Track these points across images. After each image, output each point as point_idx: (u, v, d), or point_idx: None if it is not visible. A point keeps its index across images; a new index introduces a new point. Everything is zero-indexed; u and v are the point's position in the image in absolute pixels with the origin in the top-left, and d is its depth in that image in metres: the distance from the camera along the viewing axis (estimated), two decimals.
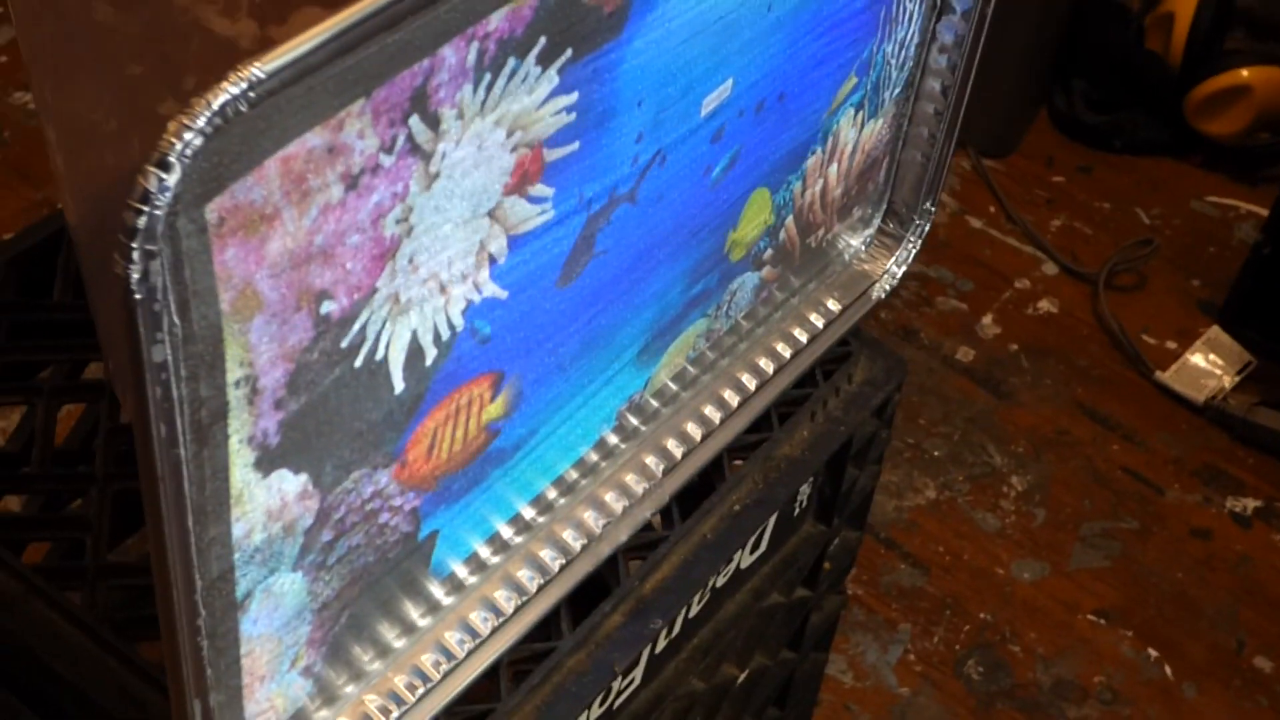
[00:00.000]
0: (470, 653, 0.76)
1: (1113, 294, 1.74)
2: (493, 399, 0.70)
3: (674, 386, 0.87)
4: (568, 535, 0.81)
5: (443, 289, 0.62)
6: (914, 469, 1.53)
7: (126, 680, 0.77)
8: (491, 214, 0.62)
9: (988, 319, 1.70)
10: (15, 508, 0.94)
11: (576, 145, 0.64)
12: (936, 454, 1.55)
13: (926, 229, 1.00)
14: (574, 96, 0.62)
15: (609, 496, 0.83)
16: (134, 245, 0.43)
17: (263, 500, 0.59)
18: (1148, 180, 1.90)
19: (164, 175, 0.43)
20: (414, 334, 0.62)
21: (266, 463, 0.58)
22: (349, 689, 0.72)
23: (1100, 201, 1.88)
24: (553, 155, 0.63)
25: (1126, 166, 1.93)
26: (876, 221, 0.98)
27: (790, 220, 0.88)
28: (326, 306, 0.56)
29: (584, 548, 0.81)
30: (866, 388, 0.98)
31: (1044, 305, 1.73)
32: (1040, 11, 1.90)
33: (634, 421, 0.85)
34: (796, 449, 0.93)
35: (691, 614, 0.90)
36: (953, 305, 1.72)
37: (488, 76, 0.57)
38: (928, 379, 1.62)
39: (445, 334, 0.64)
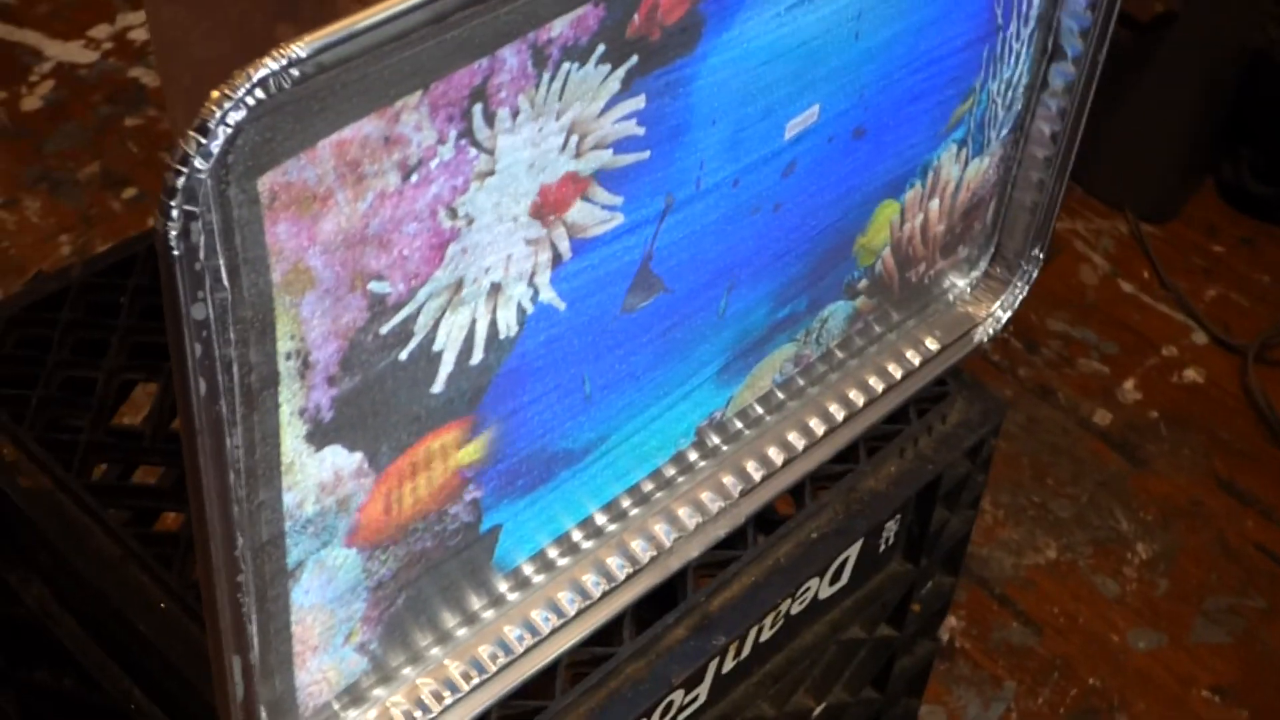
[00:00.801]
0: (529, 649, 0.78)
1: (1263, 368, 1.71)
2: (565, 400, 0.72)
3: (759, 409, 0.88)
4: (637, 545, 0.82)
5: (506, 285, 0.64)
6: (1037, 528, 1.51)
7: (204, 647, 0.80)
8: (556, 214, 0.64)
9: (1129, 384, 1.68)
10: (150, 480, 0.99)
11: (647, 154, 0.66)
12: (1062, 515, 1.53)
13: (1034, 275, 0.99)
14: (641, 104, 0.64)
15: (683, 511, 0.84)
16: (172, 204, 0.46)
17: (315, 473, 0.62)
18: None
19: (202, 140, 0.46)
20: (472, 326, 0.64)
21: (319, 437, 0.61)
22: (405, 670, 0.75)
23: (1260, 274, 1.84)
24: (620, 162, 0.65)
25: None
26: (983, 264, 0.98)
27: (888, 251, 0.89)
28: (381, 290, 0.59)
29: (653, 559, 0.83)
30: (961, 429, 0.98)
31: (1190, 374, 1.70)
32: (1207, 78, 1.87)
33: (715, 440, 0.86)
34: (882, 483, 0.94)
35: (763, 638, 0.90)
36: (1095, 368, 1.70)
37: (549, 80, 0.59)
38: (1061, 439, 1.61)
39: (507, 331, 0.66)
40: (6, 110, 1.84)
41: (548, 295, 0.66)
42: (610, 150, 0.64)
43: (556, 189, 0.63)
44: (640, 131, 0.65)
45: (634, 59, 0.62)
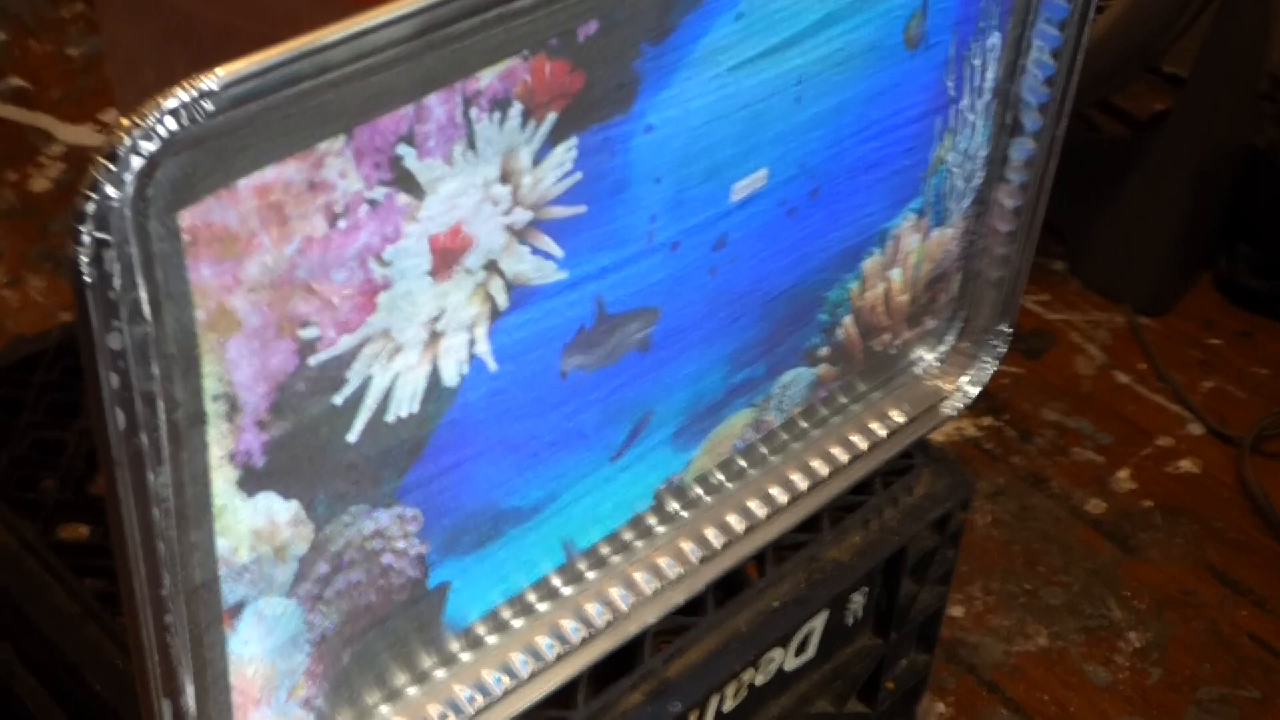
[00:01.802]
0: (480, 711, 0.78)
1: (1259, 459, 1.70)
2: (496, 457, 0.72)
3: (720, 475, 0.88)
4: (593, 609, 0.82)
5: (443, 335, 0.65)
6: (1027, 615, 1.50)
7: None
8: (493, 265, 0.65)
9: (1124, 473, 1.67)
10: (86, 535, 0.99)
11: (584, 209, 0.67)
12: (1053, 602, 1.52)
13: (1003, 351, 1.00)
14: (574, 158, 0.65)
15: (640, 576, 0.85)
16: (82, 230, 0.48)
17: (249, 519, 0.62)
18: None
19: (112, 166, 0.47)
20: (409, 376, 0.65)
21: (252, 482, 0.62)
22: None
23: (1257, 367, 1.84)
24: (556, 214, 0.66)
25: None
26: (951, 338, 0.99)
27: (849, 320, 0.89)
28: (311, 337, 0.60)
29: (609, 624, 0.83)
30: (927, 501, 0.98)
31: (1185, 465, 1.69)
32: (1204, 174, 1.88)
33: (674, 505, 0.86)
34: (845, 554, 0.94)
35: (727, 708, 0.90)
36: (1089, 457, 1.69)
37: (479, 130, 0.60)
38: (1052, 527, 1.60)
39: (445, 382, 0.67)
40: (16, 192, 1.87)
41: (486, 348, 0.67)
42: (546, 203, 0.65)
43: (492, 240, 0.64)
44: (575, 183, 0.66)
45: (567, 114, 0.63)
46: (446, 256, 0.63)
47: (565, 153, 0.64)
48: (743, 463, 0.89)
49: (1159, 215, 1.91)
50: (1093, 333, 1.86)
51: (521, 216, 0.65)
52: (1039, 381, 1.78)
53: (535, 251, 0.66)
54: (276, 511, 0.63)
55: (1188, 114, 1.89)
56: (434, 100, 0.58)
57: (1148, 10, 1.81)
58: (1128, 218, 1.92)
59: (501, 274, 0.66)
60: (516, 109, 0.61)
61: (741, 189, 0.75)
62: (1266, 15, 1.83)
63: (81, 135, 1.97)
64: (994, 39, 0.84)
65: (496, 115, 0.60)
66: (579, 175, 0.66)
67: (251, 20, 0.55)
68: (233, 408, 0.58)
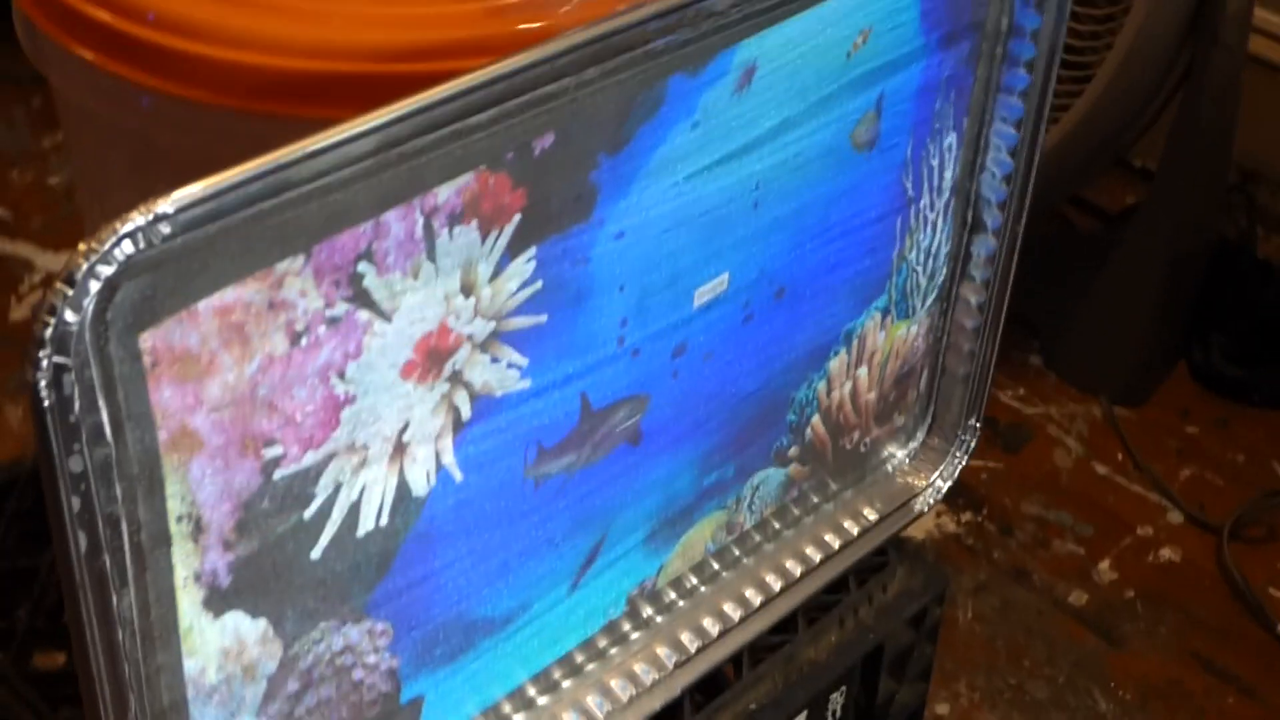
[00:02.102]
0: None
1: (1239, 545, 1.70)
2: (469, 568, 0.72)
3: (693, 579, 0.88)
4: (569, 717, 0.82)
5: (408, 447, 0.65)
6: (1014, 710, 1.49)
7: None
8: (457, 376, 0.66)
9: (1105, 564, 1.67)
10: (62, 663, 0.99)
11: (544, 319, 0.68)
12: (1039, 696, 1.52)
13: (973, 445, 1.00)
14: (535, 269, 0.66)
15: (616, 683, 0.84)
16: (40, 355, 0.48)
17: (216, 639, 0.62)
18: None
19: (69, 290, 0.48)
20: (375, 490, 0.65)
21: (218, 602, 0.62)
22: None
23: (1235, 454, 1.85)
24: (517, 325, 0.67)
25: (1265, 420, 1.90)
26: (921, 434, 0.99)
27: (817, 419, 0.90)
28: (275, 455, 0.60)
29: None
30: (903, 598, 0.98)
31: (1166, 554, 1.70)
32: (1176, 265, 1.90)
33: (648, 610, 0.86)
34: (822, 654, 0.93)
35: None
36: (1070, 549, 1.69)
37: (440, 245, 0.61)
38: (1035, 621, 1.60)
39: (412, 494, 0.67)
40: None
41: (452, 459, 0.67)
42: (507, 314, 0.66)
43: (454, 352, 0.65)
44: (535, 292, 0.66)
45: (525, 225, 0.64)
46: (410, 370, 0.64)
47: (524, 264, 0.65)
48: (716, 565, 0.89)
49: (1132, 307, 1.92)
50: (1070, 425, 1.87)
51: (483, 328, 0.65)
52: (1018, 475, 1.79)
53: (497, 361, 0.67)
54: (244, 630, 0.63)
55: (1157, 206, 1.91)
56: (392, 217, 0.59)
57: (1114, 105, 1.84)
58: (1102, 311, 1.94)
59: (465, 385, 0.66)
60: (474, 223, 0.62)
61: (704, 294, 0.76)
62: (1232, 107, 1.86)
63: (61, 262, 1.99)
64: (951, 139, 0.85)
65: (455, 230, 0.61)
66: (539, 285, 0.66)
67: (223, 146, 0.56)
68: (197, 528, 0.59)
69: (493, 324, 0.66)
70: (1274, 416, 1.90)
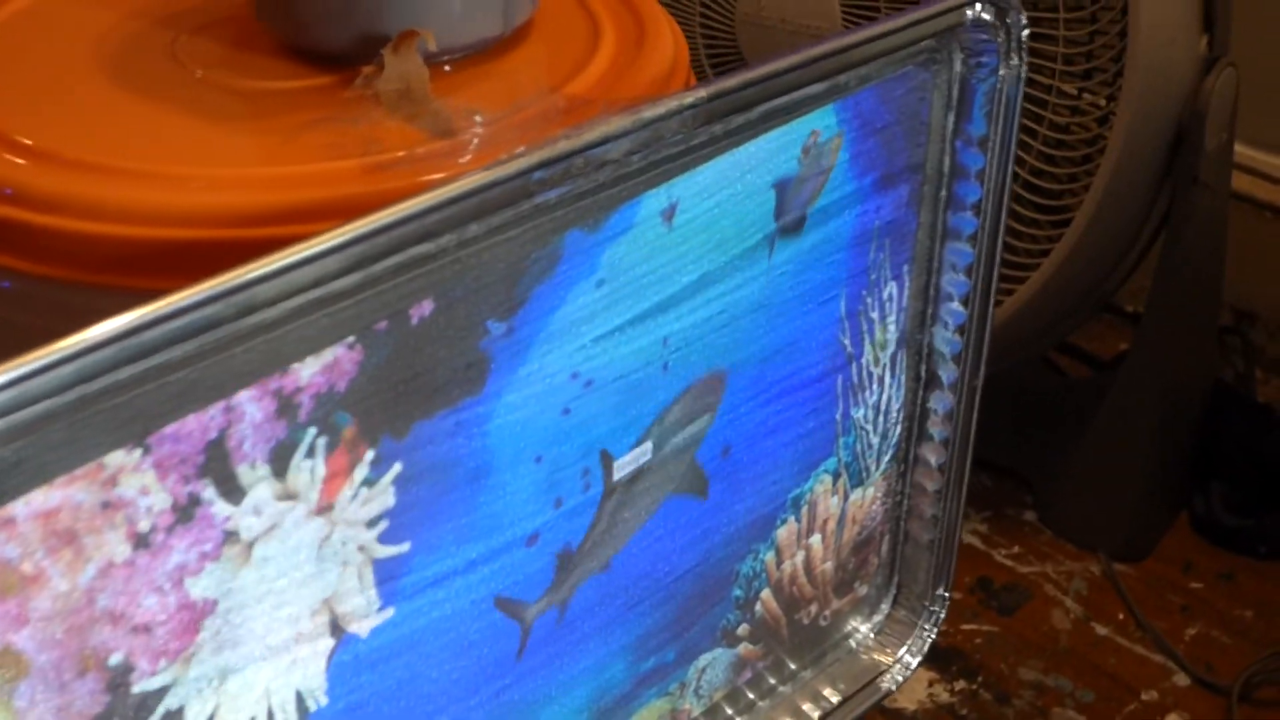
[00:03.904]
0: None
1: (1248, 708, 1.62)
2: None
3: None
4: None
5: (286, 648, 0.59)
6: None
7: None
8: (346, 565, 0.60)
9: None
10: None
11: (438, 504, 0.62)
12: None
13: (941, 616, 0.94)
14: (421, 454, 0.60)
15: None
16: None
17: None
18: None
19: None
20: (252, 700, 0.59)
21: None
22: None
23: (1241, 610, 1.76)
24: (405, 516, 0.61)
25: (1272, 574, 1.82)
26: (885, 606, 0.93)
27: (767, 593, 0.83)
28: (125, 674, 0.53)
29: None
30: None
31: (1173, 719, 1.61)
32: (1171, 411, 1.84)
33: None
34: None
35: None
36: (1070, 717, 1.61)
37: (306, 434, 0.55)
38: None
39: (299, 702, 0.61)
40: None
41: (341, 660, 0.61)
42: (388, 495, 0.60)
43: (346, 543, 0.59)
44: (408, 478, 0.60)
45: (411, 409, 0.58)
46: (288, 564, 0.57)
47: (407, 450, 0.59)
48: None
49: (1127, 457, 1.86)
50: (1068, 584, 1.80)
51: (366, 511, 0.59)
52: (1014, 639, 1.71)
53: (385, 557, 0.61)
54: None
55: (1146, 351, 1.85)
56: (245, 398, 0.53)
57: (1094, 248, 1.80)
58: (1096, 462, 1.87)
59: (360, 578, 0.60)
60: (348, 405, 0.56)
61: (624, 466, 0.70)
62: (1217, 247, 1.82)
63: None
64: (890, 288, 0.80)
65: (325, 414, 0.55)
66: (431, 468, 0.60)
67: (67, 323, 0.50)
68: None
69: (377, 508, 0.60)
70: None
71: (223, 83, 0.72)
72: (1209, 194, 1.77)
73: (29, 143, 0.66)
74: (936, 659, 1.37)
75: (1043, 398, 1.95)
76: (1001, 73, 0.77)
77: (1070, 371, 2.11)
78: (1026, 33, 0.78)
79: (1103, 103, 1.61)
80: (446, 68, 0.74)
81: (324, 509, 0.57)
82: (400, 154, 0.64)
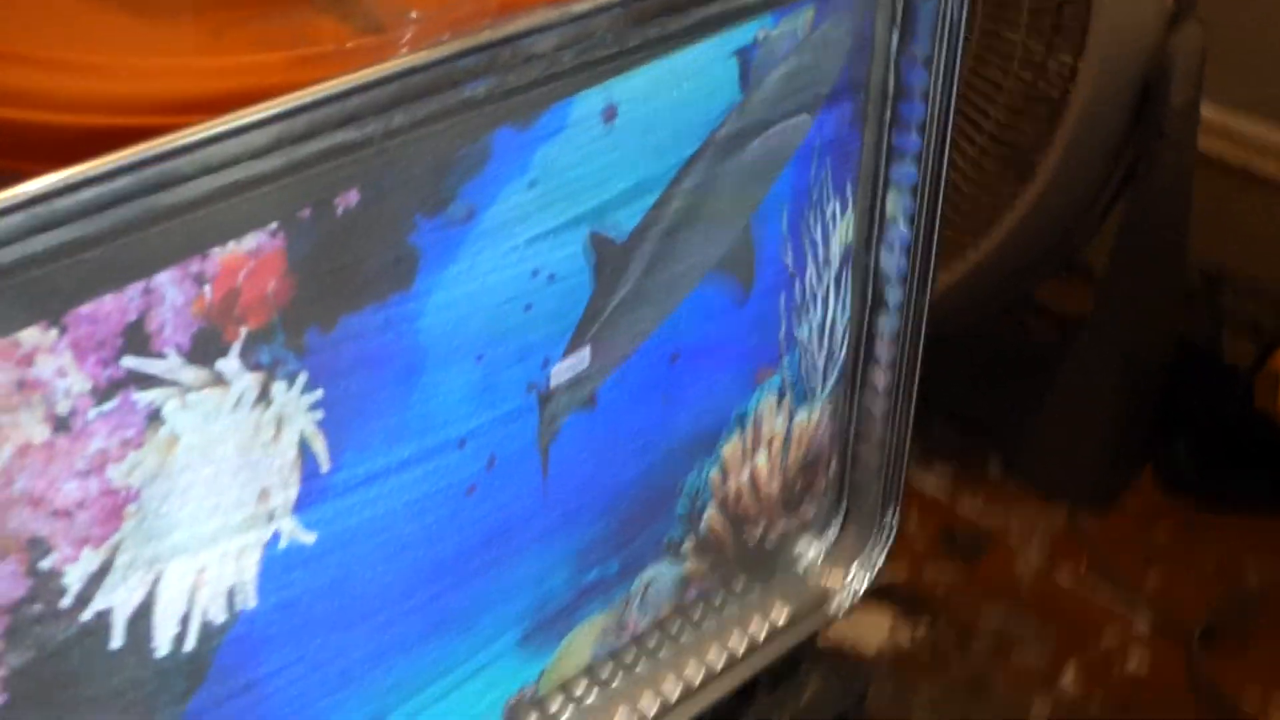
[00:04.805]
0: None
1: (1211, 654, 1.62)
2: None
3: (581, 685, 0.81)
4: None
5: (215, 541, 0.59)
6: None
7: None
8: (275, 458, 0.60)
9: (1069, 676, 1.59)
10: None
11: (368, 401, 0.62)
12: None
13: (890, 542, 0.94)
14: (349, 349, 0.60)
15: None
16: None
17: None
18: (1255, 540, 1.79)
19: None
20: (180, 592, 0.59)
21: None
22: None
23: (1202, 560, 1.77)
24: (335, 412, 0.60)
25: (1233, 526, 1.82)
26: (833, 532, 0.93)
27: (712, 510, 0.83)
28: (46, 558, 0.53)
29: None
30: (819, 702, 0.91)
31: (1133, 665, 1.62)
32: (1135, 365, 1.84)
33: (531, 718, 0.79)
34: None
35: None
36: (1032, 661, 1.61)
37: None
38: None
39: (229, 598, 0.61)
40: None
41: (272, 556, 0.61)
42: (319, 390, 0.60)
43: (265, 436, 0.59)
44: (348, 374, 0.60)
45: (335, 301, 0.58)
46: (216, 455, 0.57)
47: (335, 341, 0.59)
48: (605, 672, 0.82)
49: (1092, 412, 1.87)
50: (1031, 533, 1.80)
51: (293, 408, 0.59)
52: (978, 586, 1.71)
53: (314, 452, 0.61)
54: None
55: (1109, 309, 1.86)
56: (165, 279, 0.53)
57: (1058, 202, 1.80)
58: (1062, 416, 1.88)
59: (284, 475, 0.60)
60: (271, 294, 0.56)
61: (561, 372, 0.70)
62: (1182, 204, 1.82)
63: None
64: (833, 206, 0.80)
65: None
66: (361, 363, 0.60)
67: None
68: None
69: (306, 402, 0.60)
70: (1242, 522, 1.83)
71: None
72: (1174, 150, 1.77)
73: None
74: (898, 602, 1.37)
75: (1010, 354, 1.95)
76: None
77: (1033, 328, 2.12)
78: None
79: (1069, 59, 1.62)
80: None
81: (253, 399, 0.57)
82: (329, 48, 0.64)
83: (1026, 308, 2.09)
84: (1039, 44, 1.63)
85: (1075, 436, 1.88)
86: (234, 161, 0.52)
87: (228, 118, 0.50)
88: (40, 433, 0.51)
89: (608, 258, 0.69)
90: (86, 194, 0.48)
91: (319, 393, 0.59)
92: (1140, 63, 1.67)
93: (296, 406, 0.59)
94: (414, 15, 0.66)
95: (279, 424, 0.58)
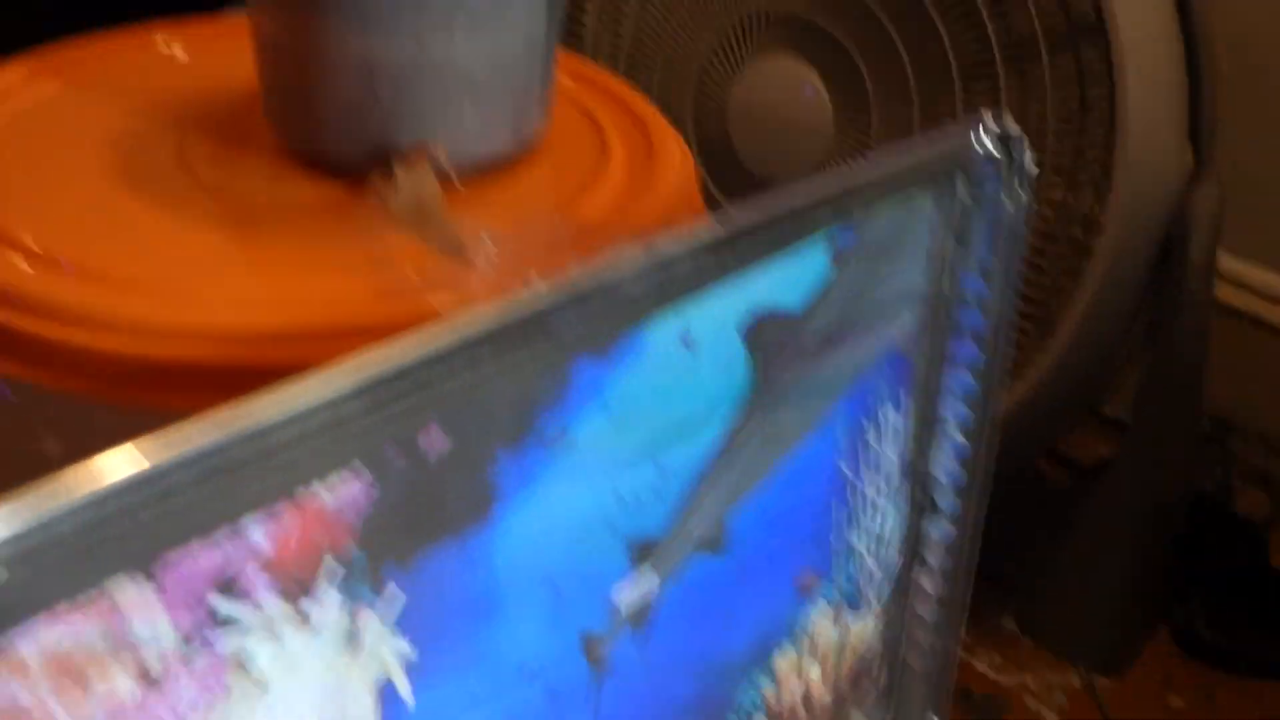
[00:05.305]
0: None
1: None
2: None
3: None
4: None
5: None
6: None
7: None
8: (355, 702, 0.58)
9: None
10: None
11: (446, 636, 0.60)
12: None
13: None
14: (428, 584, 0.58)
15: None
16: None
17: None
18: (1276, 706, 1.78)
19: None
20: None
21: None
22: None
23: None
24: (416, 648, 0.59)
25: (1252, 691, 1.81)
26: None
27: None
28: None
29: None
30: None
31: None
32: (1152, 522, 1.84)
33: None
34: None
35: None
36: None
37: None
38: None
39: None
40: None
41: None
42: (400, 626, 0.58)
43: (364, 680, 0.58)
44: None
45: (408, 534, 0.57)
46: (308, 697, 0.56)
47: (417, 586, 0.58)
48: None
49: (1108, 567, 1.85)
50: (1048, 696, 1.79)
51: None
52: None
53: (391, 688, 0.59)
54: None
55: (1129, 460, 1.85)
56: (250, 522, 0.52)
57: (1080, 357, 1.80)
58: (1077, 571, 1.87)
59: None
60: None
61: (625, 592, 0.69)
62: (1201, 356, 1.82)
63: None
64: (890, 415, 0.79)
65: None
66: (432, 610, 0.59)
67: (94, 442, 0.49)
68: None
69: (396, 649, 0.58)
70: (1262, 687, 1.81)
71: (231, 190, 0.71)
72: (1194, 304, 1.78)
73: (35, 248, 0.65)
74: None
75: (1026, 504, 1.94)
76: (1006, 202, 0.77)
77: (1050, 476, 2.11)
78: (1031, 164, 0.78)
79: (1089, 208, 1.62)
80: (456, 183, 0.74)
81: (339, 637, 0.56)
82: (410, 276, 0.64)
83: (1042, 455, 2.09)
84: (1059, 194, 1.64)
85: (1090, 594, 1.87)
86: (320, 410, 0.51)
87: (319, 379, 0.50)
88: (128, 686, 0.50)
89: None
90: (186, 467, 0.47)
91: (400, 629, 0.58)
92: (1161, 219, 1.68)
93: (379, 643, 0.57)
94: (490, 238, 0.66)
95: (362, 662, 0.57)
